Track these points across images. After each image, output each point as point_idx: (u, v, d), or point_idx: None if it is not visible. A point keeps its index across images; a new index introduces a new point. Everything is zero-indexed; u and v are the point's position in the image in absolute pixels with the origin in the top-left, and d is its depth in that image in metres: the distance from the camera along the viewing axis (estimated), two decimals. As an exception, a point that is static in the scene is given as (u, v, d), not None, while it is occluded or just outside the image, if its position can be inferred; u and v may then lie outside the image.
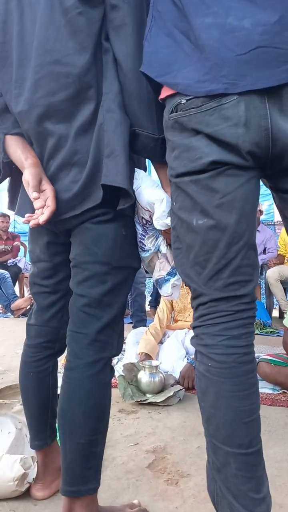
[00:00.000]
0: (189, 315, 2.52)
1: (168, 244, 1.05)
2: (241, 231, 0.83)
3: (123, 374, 2.06)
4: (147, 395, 1.96)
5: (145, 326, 2.97)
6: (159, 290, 1.14)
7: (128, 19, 0.89)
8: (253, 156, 0.80)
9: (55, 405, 1.21)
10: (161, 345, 2.40)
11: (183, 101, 0.80)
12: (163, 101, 0.88)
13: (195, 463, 1.39)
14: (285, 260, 4.09)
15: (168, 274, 1.07)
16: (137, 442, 1.54)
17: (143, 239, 1.04)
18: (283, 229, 3.67)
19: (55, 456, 1.22)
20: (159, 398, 1.91)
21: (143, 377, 2.00)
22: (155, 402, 1.90)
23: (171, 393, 1.93)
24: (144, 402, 1.91)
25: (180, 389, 2.00)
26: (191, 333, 2.38)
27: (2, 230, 5.30)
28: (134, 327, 3.13)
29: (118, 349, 1.03)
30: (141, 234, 1.04)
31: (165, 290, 1.11)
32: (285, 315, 2.32)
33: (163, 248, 1.05)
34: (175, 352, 2.28)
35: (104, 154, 0.92)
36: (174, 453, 1.46)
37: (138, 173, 0.99)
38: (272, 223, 4.79)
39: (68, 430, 0.96)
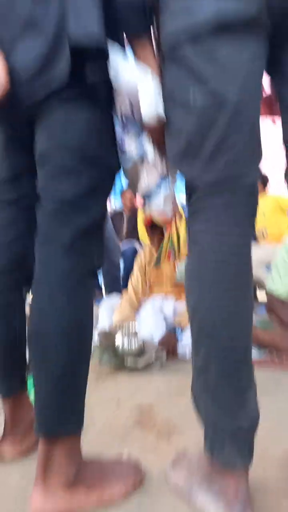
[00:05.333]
0: (166, 283, 2.37)
1: (157, 147, 0.89)
2: (242, 106, 0.72)
3: (98, 344, 1.87)
4: (126, 360, 1.78)
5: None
6: (147, 207, 0.98)
7: None
8: (270, 10, 0.70)
9: (24, 346, 1.02)
10: (137, 314, 2.23)
11: None
12: None
13: (186, 419, 1.23)
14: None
15: (159, 183, 0.92)
16: (118, 404, 1.37)
17: (124, 139, 0.87)
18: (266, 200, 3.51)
19: (25, 410, 1.03)
20: (139, 363, 1.74)
21: (121, 341, 1.82)
22: (135, 366, 1.73)
23: (152, 357, 1.77)
24: (123, 367, 1.74)
25: (161, 354, 1.84)
26: (168, 300, 2.23)
27: None
28: None
29: (98, 263, 0.86)
30: (122, 134, 0.87)
31: (156, 204, 0.95)
32: (265, 283, 2.23)
33: (150, 153, 0.88)
34: (152, 321, 2.12)
35: (70, 13, 0.75)
36: (161, 411, 1.30)
37: (111, 47, 0.80)
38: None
39: (41, 358, 0.78)
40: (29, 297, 1.04)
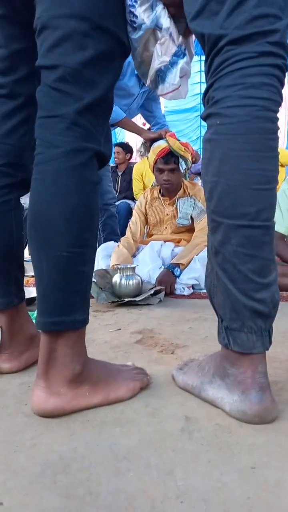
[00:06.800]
0: (166, 228, 2.30)
1: (172, 16, 0.80)
2: None
3: (95, 280, 1.82)
4: (124, 299, 1.74)
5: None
6: (160, 86, 0.87)
7: None
8: None
9: (21, 254, 0.96)
10: (135, 258, 2.17)
11: None
12: None
13: (190, 338, 1.20)
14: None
15: (175, 55, 0.83)
16: (119, 328, 1.33)
17: (134, 7, 0.79)
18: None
19: (24, 323, 0.97)
20: (137, 298, 1.70)
21: (118, 280, 1.77)
22: (134, 301, 1.69)
23: (152, 292, 1.73)
24: (121, 303, 1.70)
25: (160, 290, 1.80)
26: (167, 245, 2.15)
27: None
28: None
29: (106, 148, 0.79)
30: (132, 1, 0.78)
31: (171, 79, 0.85)
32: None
33: (165, 21, 0.80)
34: (150, 263, 2.06)
35: None
36: (164, 333, 1.26)
37: None
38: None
39: (43, 241, 0.72)
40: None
